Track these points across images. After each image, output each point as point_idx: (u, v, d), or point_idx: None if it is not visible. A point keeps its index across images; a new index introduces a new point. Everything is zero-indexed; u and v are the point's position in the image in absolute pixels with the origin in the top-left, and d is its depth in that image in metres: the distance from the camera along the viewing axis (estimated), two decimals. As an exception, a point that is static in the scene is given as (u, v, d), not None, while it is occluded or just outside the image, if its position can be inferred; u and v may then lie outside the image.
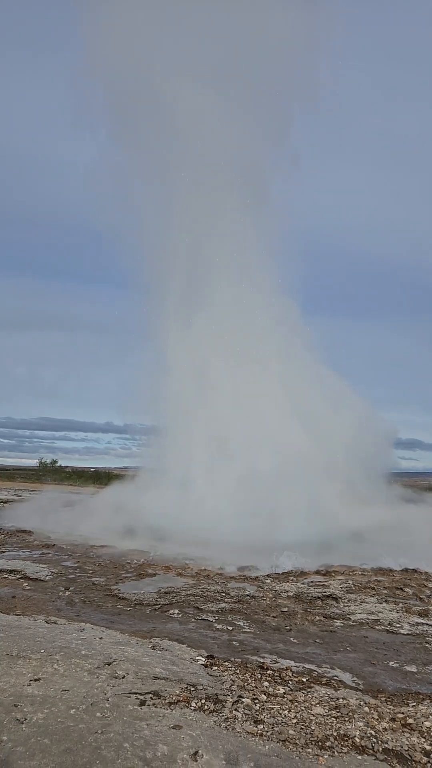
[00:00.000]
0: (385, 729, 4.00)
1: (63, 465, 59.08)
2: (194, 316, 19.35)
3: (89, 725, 3.54)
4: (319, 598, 8.28)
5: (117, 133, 22.23)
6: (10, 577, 8.75)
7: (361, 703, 4.49)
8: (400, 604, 8.08)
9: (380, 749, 3.71)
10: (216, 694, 4.34)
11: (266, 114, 21.49)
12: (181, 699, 4.15)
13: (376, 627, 6.97)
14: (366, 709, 4.36)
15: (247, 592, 8.50)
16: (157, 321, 20.25)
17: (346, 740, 3.78)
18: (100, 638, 5.56)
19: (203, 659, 5.25)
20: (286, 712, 4.16)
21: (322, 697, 4.57)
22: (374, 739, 3.82)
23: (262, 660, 5.43)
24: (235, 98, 20.42)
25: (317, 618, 7.27)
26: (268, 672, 5.08)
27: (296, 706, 4.31)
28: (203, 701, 4.18)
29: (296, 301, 21.64)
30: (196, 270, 19.83)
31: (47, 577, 8.86)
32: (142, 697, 4.09)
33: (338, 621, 7.16)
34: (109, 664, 4.70)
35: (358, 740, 3.79)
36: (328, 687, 4.86)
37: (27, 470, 60.57)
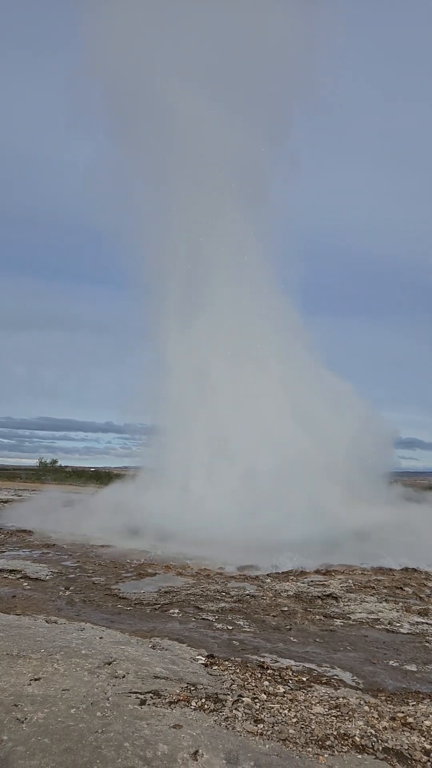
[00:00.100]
0: (385, 728, 4.00)
1: (63, 465, 59.15)
2: (194, 316, 19.37)
3: (89, 725, 3.54)
4: (319, 597, 8.28)
5: (117, 133, 22.29)
6: (10, 576, 8.76)
7: (361, 702, 4.49)
8: (400, 604, 8.08)
9: (380, 748, 3.71)
10: (216, 694, 4.35)
11: (266, 114, 21.54)
12: (182, 698, 4.15)
13: (376, 626, 6.98)
14: (366, 708, 4.37)
15: (247, 592, 8.50)
16: (157, 321, 20.29)
17: (346, 739, 3.78)
18: (101, 638, 5.56)
19: (203, 658, 5.25)
20: (286, 711, 4.17)
21: (322, 696, 4.57)
22: (374, 738, 3.82)
23: (262, 659, 5.43)
24: (235, 98, 20.47)
25: (317, 617, 7.28)
26: (268, 671, 5.08)
27: (296, 705, 4.31)
28: (203, 700, 4.18)
29: (296, 301, 21.72)
30: (196, 270, 19.85)
31: (47, 577, 8.86)
32: (142, 696, 4.09)
33: (338, 620, 7.17)
34: (109, 664, 4.70)
35: (358, 739, 3.79)
36: (328, 686, 4.86)
37: (27, 470, 60.55)
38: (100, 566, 10.17)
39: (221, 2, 21.70)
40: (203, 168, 19.69)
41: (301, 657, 5.66)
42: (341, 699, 4.52)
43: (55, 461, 56.91)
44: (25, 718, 3.59)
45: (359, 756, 3.59)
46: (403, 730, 4.00)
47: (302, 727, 3.91)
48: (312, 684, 4.87)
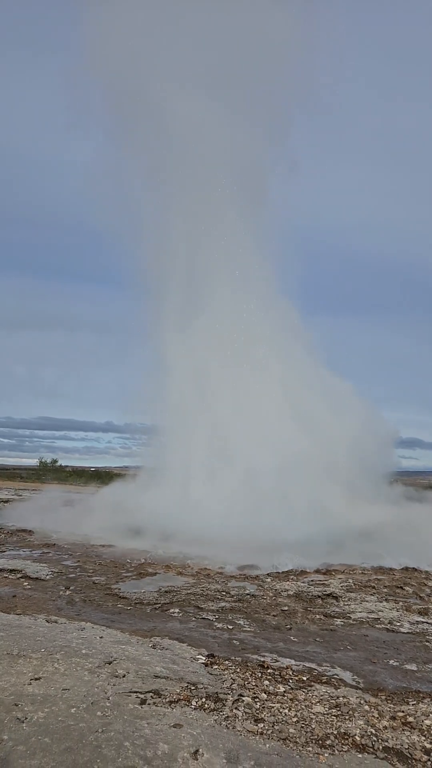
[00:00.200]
0: (385, 727, 4.00)
1: (63, 464, 59.17)
2: (194, 316, 19.35)
3: (90, 724, 3.54)
4: (319, 596, 8.29)
5: (116, 133, 22.27)
6: (10, 576, 8.76)
7: (362, 701, 4.49)
8: (400, 603, 8.09)
9: (380, 747, 3.71)
10: (216, 693, 4.35)
11: (266, 114, 21.51)
12: (182, 698, 4.15)
13: (377, 625, 6.98)
14: (366, 707, 4.37)
15: (247, 591, 8.50)
16: (157, 321, 20.27)
17: (347, 739, 3.79)
18: (101, 637, 5.56)
19: (204, 658, 5.26)
20: (286, 710, 4.17)
21: (322, 695, 4.57)
22: (374, 738, 3.82)
23: (262, 659, 5.44)
24: (235, 99, 20.45)
25: (317, 617, 7.28)
26: (269, 671, 5.09)
27: (296, 704, 4.31)
28: (204, 700, 4.18)
29: (296, 302, 21.71)
30: (196, 270, 19.84)
31: (48, 577, 8.86)
32: (142, 695, 4.10)
33: (338, 620, 7.17)
34: (109, 663, 4.70)
35: (358, 739, 3.79)
36: (329, 685, 4.86)
37: (27, 470, 60.56)
38: (101, 566, 10.17)
39: (221, 2, 21.70)
40: (203, 168, 19.70)
41: (301, 656, 5.66)
42: (341, 698, 4.52)
43: (55, 461, 57.00)
44: (26, 718, 3.59)
45: (359, 755, 3.59)
46: (403, 730, 4.00)
47: (302, 727, 3.91)
48: (312, 683, 4.87)
